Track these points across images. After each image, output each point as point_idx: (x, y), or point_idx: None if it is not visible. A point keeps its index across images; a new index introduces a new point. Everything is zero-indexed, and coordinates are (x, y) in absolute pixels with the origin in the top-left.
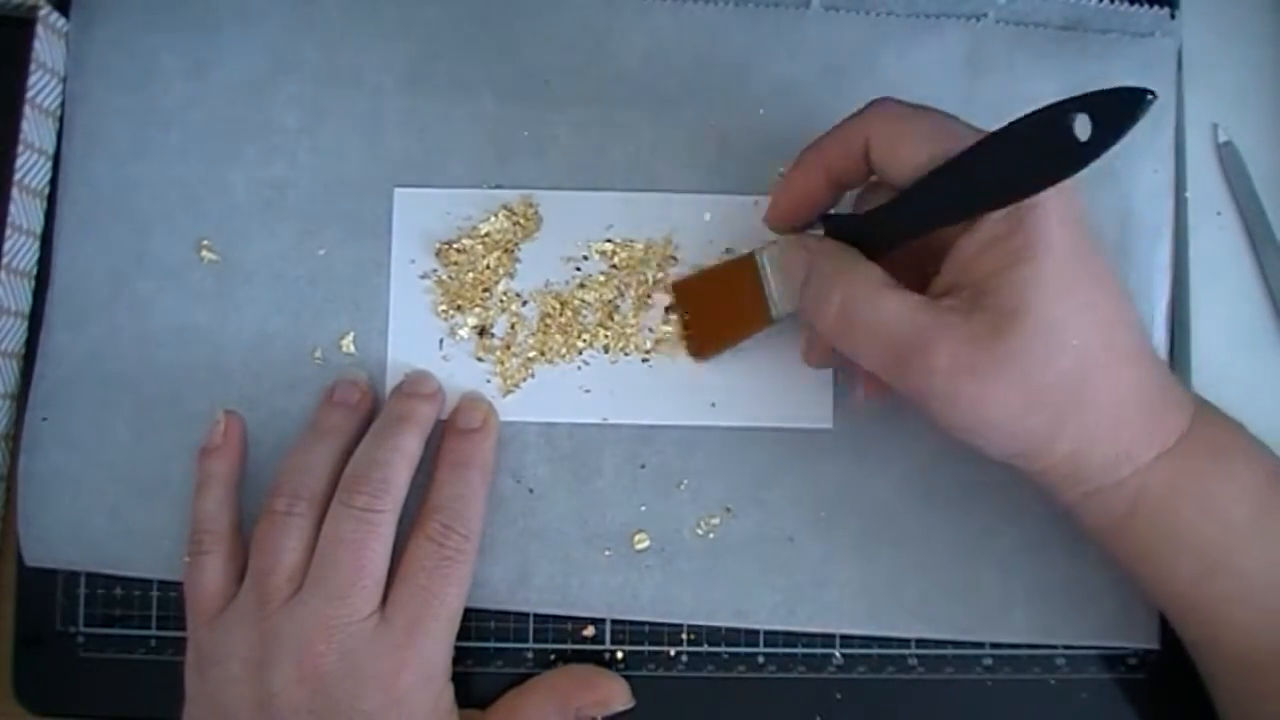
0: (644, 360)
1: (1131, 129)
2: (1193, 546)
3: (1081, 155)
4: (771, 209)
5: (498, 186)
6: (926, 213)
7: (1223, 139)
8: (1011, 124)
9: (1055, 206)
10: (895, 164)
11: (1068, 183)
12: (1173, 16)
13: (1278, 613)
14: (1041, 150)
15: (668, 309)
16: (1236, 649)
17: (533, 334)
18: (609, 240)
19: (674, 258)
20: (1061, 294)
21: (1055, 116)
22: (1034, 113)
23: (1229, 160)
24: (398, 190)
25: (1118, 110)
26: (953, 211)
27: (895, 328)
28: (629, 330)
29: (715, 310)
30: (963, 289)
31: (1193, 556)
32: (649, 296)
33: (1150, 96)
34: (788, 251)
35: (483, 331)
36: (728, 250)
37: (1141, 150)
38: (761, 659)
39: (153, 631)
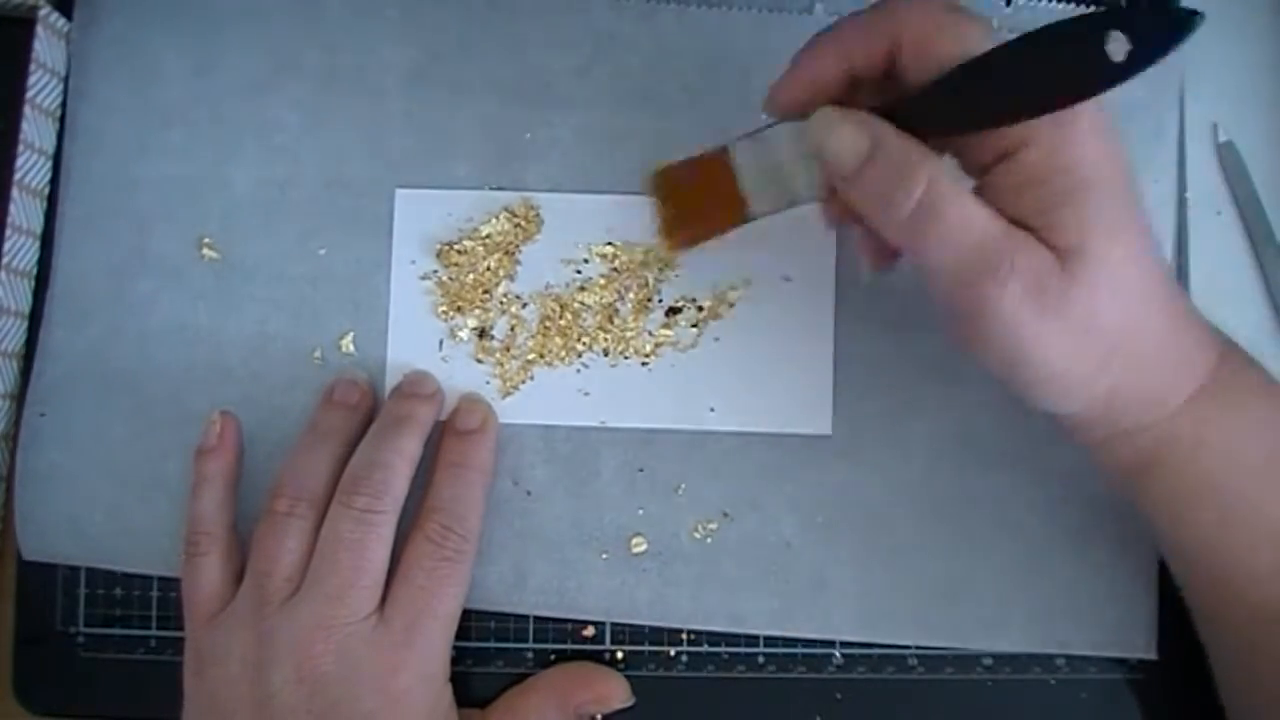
0: (643, 364)
1: (1172, 51)
2: (1214, 490)
3: (1112, 75)
4: (777, 92)
5: (499, 188)
6: (946, 114)
7: (1223, 139)
8: (1040, 31)
9: (1095, 141)
10: (925, 62)
11: (1104, 114)
12: None
13: None
14: (1069, 64)
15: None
16: (1254, 601)
17: (532, 336)
18: (609, 243)
19: (674, 261)
20: (1115, 234)
21: (1087, 30)
22: (1064, 22)
23: (1229, 160)
24: (399, 191)
25: (1160, 33)
26: (971, 118)
27: (978, 234)
28: (629, 333)
29: (689, 202)
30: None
31: (1214, 500)
32: (649, 300)
33: (1198, 19)
34: (833, 123)
35: (482, 333)
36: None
37: (1144, 161)
38: (761, 659)
39: (153, 631)
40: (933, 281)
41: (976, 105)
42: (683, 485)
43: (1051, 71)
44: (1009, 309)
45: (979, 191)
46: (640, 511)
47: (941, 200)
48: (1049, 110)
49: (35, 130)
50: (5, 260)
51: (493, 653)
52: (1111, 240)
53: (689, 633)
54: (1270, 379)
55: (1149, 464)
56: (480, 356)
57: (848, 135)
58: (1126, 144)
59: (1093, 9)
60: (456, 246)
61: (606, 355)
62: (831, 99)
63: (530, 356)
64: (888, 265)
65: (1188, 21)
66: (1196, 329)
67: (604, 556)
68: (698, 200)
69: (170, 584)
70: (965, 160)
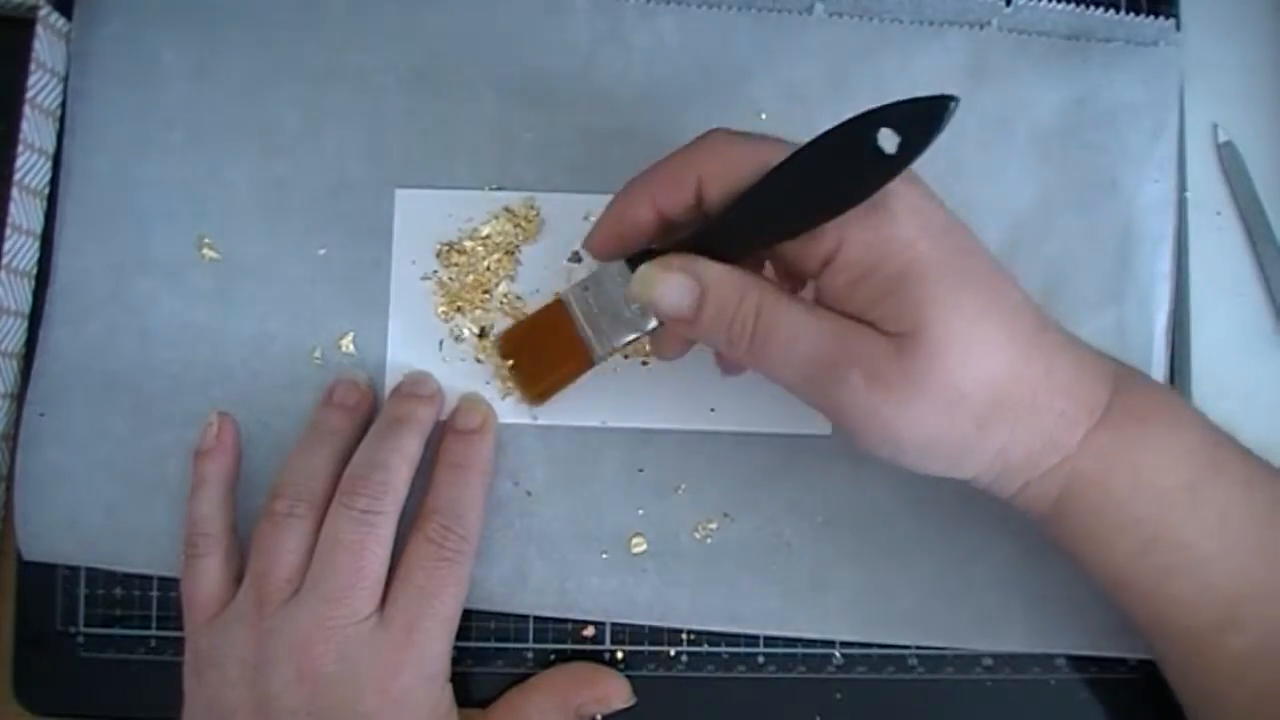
0: (643, 364)
1: (937, 137)
2: (1128, 521)
3: (889, 168)
4: (594, 238)
5: (499, 188)
6: (753, 232)
7: (1223, 139)
8: (817, 139)
9: (910, 225)
10: (727, 190)
11: (919, 190)
12: (1177, 28)
13: (1219, 584)
14: (849, 164)
15: (506, 362)
16: (1180, 626)
17: None
18: None
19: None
20: (952, 308)
21: (859, 130)
22: (839, 126)
23: (1229, 160)
24: (399, 191)
25: (920, 121)
26: (773, 230)
27: (811, 344)
28: None
29: (540, 356)
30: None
31: (1129, 532)
32: None
33: (952, 104)
34: (657, 278)
35: (483, 333)
36: None
37: (1143, 160)
38: (761, 659)
39: (153, 632)
40: (789, 390)
41: (778, 217)
42: (683, 485)
43: (836, 171)
44: (858, 402)
45: (816, 296)
46: (640, 511)
47: (773, 321)
48: (843, 209)
49: (35, 130)
50: (5, 260)
51: (493, 653)
52: (947, 315)
53: (689, 633)
54: (1177, 405)
55: (1061, 506)
56: (480, 356)
57: (675, 286)
58: (1126, 144)
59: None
60: (456, 246)
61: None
62: (648, 239)
63: None
64: (739, 372)
65: (942, 107)
66: (1081, 367)
67: (604, 556)
68: (546, 353)
69: (170, 584)
70: (797, 269)
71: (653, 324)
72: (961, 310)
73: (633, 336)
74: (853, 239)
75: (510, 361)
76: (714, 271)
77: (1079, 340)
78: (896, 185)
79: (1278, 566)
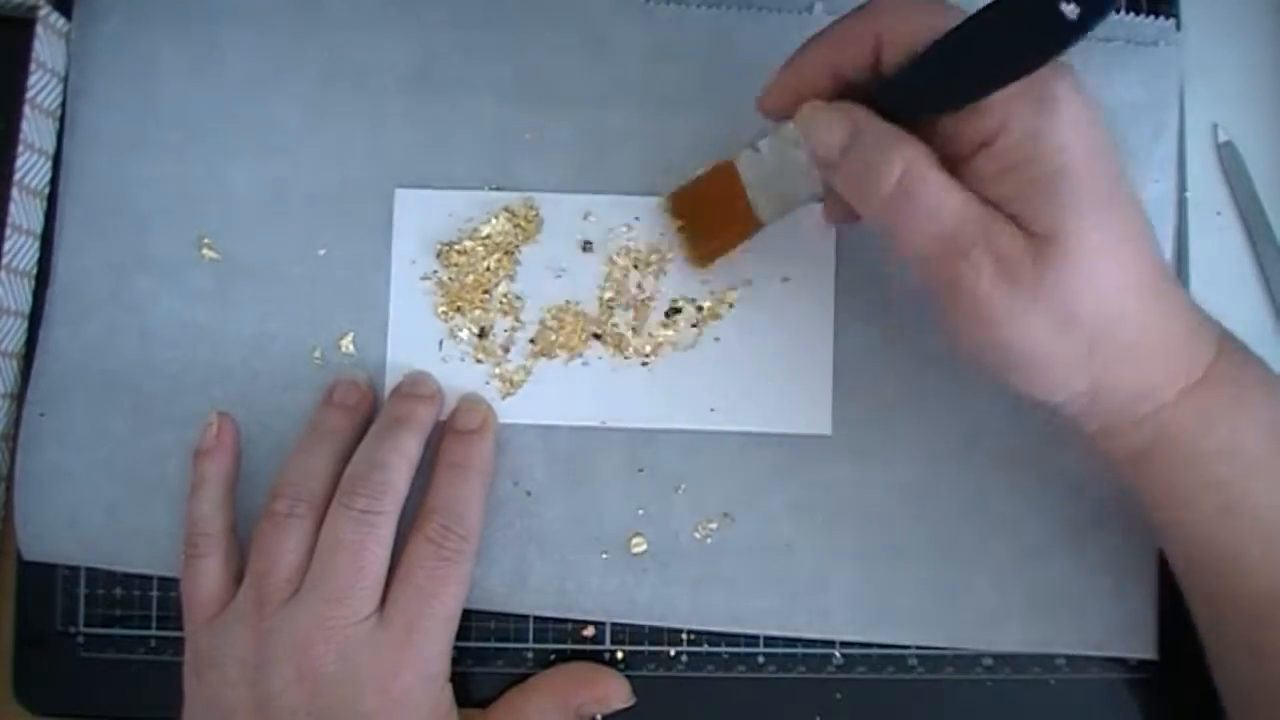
0: (643, 364)
1: (1114, 7)
2: (1212, 483)
3: (1068, 34)
4: (768, 96)
5: (499, 188)
6: (926, 95)
7: (1223, 139)
8: (1000, 1)
9: (1074, 130)
10: (905, 51)
11: (1088, 104)
12: (1177, 28)
13: None
14: (1029, 29)
15: (675, 223)
16: (1249, 592)
17: (532, 336)
18: (610, 243)
19: (674, 261)
20: (1096, 223)
21: None
22: None
23: (1229, 160)
24: (399, 191)
25: None
26: (946, 94)
27: (951, 214)
28: (629, 333)
29: (706, 219)
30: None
31: (1212, 493)
32: (649, 300)
33: None
34: (817, 113)
35: (482, 333)
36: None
37: (1143, 160)
38: (761, 659)
39: (153, 631)
40: (910, 263)
41: (951, 80)
42: (683, 485)
43: (1015, 37)
44: (981, 289)
45: (961, 179)
46: (640, 511)
47: (918, 182)
48: (1019, 74)
49: (35, 130)
50: (5, 260)
51: (493, 653)
52: (1087, 228)
53: (689, 633)
54: (1270, 372)
55: (1147, 456)
56: (480, 356)
57: (829, 123)
58: (1126, 144)
59: None
60: (456, 246)
61: (606, 355)
62: (822, 99)
63: (530, 356)
64: (847, 221)
65: None
66: (1192, 322)
67: (604, 556)
68: (713, 215)
69: (170, 584)
70: (951, 150)
71: (818, 187)
72: (1104, 229)
73: (797, 202)
74: (1016, 125)
75: (679, 223)
76: (870, 119)
77: (1192, 299)
78: (1072, 94)
79: None
